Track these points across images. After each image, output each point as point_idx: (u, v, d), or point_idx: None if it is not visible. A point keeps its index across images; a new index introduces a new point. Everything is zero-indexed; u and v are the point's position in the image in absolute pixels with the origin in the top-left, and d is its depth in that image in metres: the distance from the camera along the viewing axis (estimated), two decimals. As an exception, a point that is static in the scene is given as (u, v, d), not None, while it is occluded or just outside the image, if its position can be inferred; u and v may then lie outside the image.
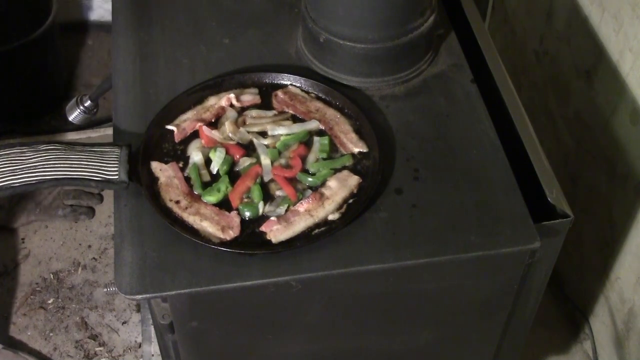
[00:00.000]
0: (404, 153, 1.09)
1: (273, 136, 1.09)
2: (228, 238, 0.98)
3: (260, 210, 1.01)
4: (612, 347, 1.71)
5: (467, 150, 1.09)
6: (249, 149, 1.08)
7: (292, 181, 1.04)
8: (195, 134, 1.10)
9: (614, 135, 1.52)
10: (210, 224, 0.99)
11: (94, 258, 2.02)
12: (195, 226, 0.99)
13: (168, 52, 1.23)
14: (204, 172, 1.06)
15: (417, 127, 1.12)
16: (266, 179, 1.05)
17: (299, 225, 0.99)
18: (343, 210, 1.01)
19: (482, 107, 1.15)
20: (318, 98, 1.15)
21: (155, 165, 1.05)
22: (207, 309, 1.03)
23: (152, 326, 1.72)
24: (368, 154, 1.07)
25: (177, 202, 1.01)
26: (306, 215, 1.00)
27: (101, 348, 1.85)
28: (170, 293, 0.95)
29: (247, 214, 1.01)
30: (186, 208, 1.00)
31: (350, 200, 1.02)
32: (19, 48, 2.14)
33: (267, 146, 1.08)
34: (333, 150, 1.09)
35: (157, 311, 1.02)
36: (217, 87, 1.15)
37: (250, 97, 1.15)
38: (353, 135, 1.09)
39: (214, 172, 1.06)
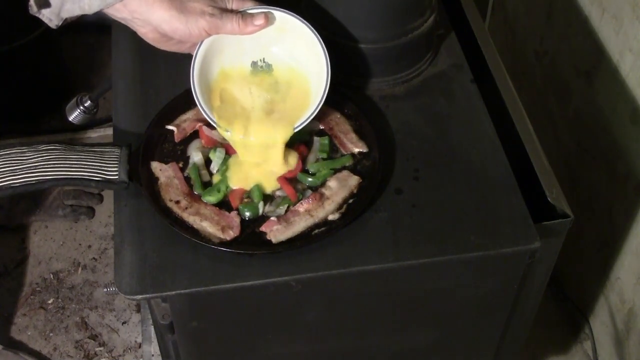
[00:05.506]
0: (404, 153, 1.09)
1: (273, 136, 1.09)
2: (228, 238, 0.98)
3: (260, 210, 1.01)
4: (612, 347, 1.71)
5: (467, 150, 1.09)
6: (249, 149, 1.08)
7: (292, 181, 1.04)
8: (195, 134, 1.10)
9: (614, 135, 1.51)
10: (210, 224, 0.99)
11: (94, 258, 2.02)
12: (195, 226, 0.99)
13: (168, 52, 1.23)
14: (204, 172, 1.05)
15: (417, 127, 1.12)
16: (266, 179, 1.05)
17: (299, 225, 0.99)
18: (343, 210, 1.01)
19: (482, 107, 1.15)
20: (318, 98, 1.14)
21: (155, 165, 1.05)
22: (207, 309, 1.03)
23: (152, 326, 1.72)
24: (368, 154, 1.07)
25: (177, 202, 1.01)
26: (306, 215, 1.00)
27: (101, 348, 1.85)
28: (170, 293, 0.95)
29: (247, 214, 1.01)
30: (186, 208, 1.00)
31: (350, 200, 1.02)
32: (19, 48, 2.14)
33: (267, 146, 1.08)
34: (333, 150, 1.08)
35: (157, 311, 1.02)
36: (217, 87, 1.15)
37: (250, 97, 1.14)
38: (353, 135, 1.09)
39: (214, 172, 1.05)
